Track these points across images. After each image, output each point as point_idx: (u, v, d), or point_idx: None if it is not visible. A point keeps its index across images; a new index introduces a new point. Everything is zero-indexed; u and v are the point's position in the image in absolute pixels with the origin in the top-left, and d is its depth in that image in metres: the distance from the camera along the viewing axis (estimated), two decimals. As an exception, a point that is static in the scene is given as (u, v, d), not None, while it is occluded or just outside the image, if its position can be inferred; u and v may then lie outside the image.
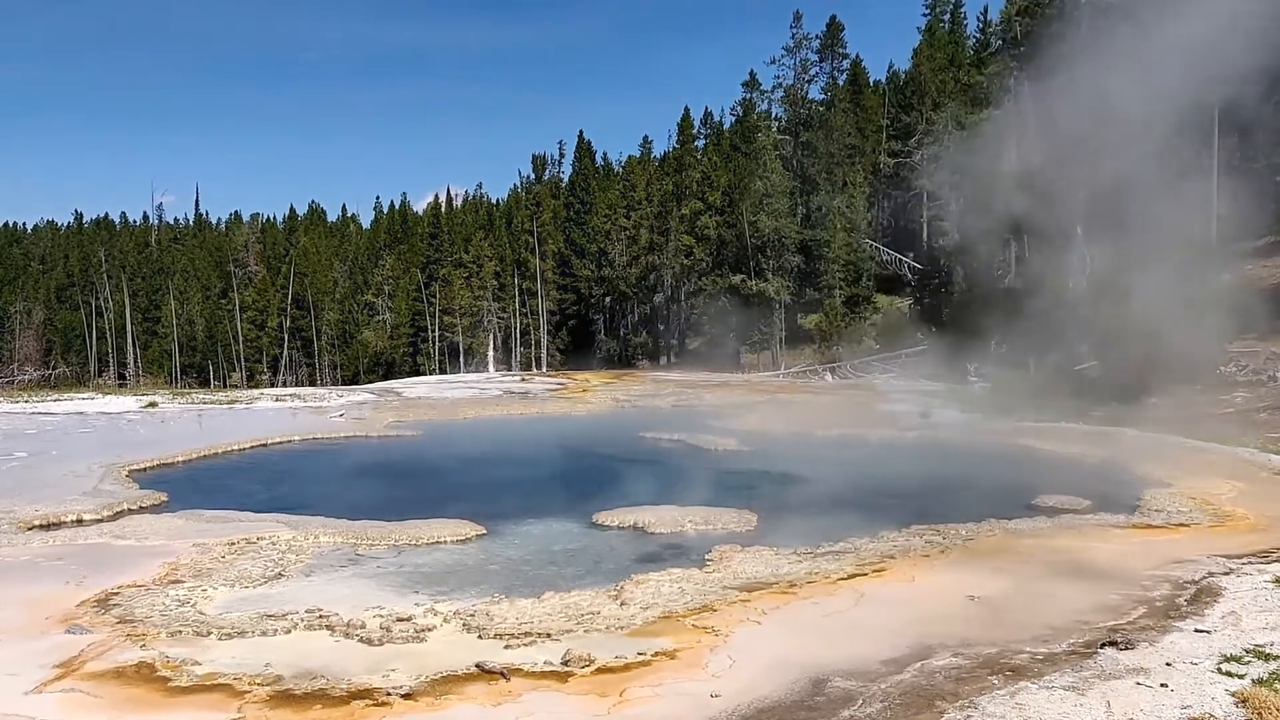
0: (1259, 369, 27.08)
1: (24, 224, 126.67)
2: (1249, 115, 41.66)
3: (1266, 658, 7.85)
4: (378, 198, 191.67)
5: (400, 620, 9.43)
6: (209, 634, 9.09)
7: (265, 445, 23.90)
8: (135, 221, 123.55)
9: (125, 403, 35.05)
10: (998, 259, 48.14)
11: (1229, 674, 7.52)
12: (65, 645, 8.77)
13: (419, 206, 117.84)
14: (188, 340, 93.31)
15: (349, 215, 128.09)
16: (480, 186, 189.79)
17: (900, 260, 61.05)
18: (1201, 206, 39.05)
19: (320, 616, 9.53)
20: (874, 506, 15.86)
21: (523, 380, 47.60)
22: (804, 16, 68.79)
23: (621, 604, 9.99)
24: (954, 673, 7.77)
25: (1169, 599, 9.80)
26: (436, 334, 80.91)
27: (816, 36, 67.41)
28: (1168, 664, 7.77)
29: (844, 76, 68.87)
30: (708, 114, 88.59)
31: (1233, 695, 7.05)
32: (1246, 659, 7.84)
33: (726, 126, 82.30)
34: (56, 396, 38.55)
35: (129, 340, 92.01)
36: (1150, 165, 27.58)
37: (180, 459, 21.28)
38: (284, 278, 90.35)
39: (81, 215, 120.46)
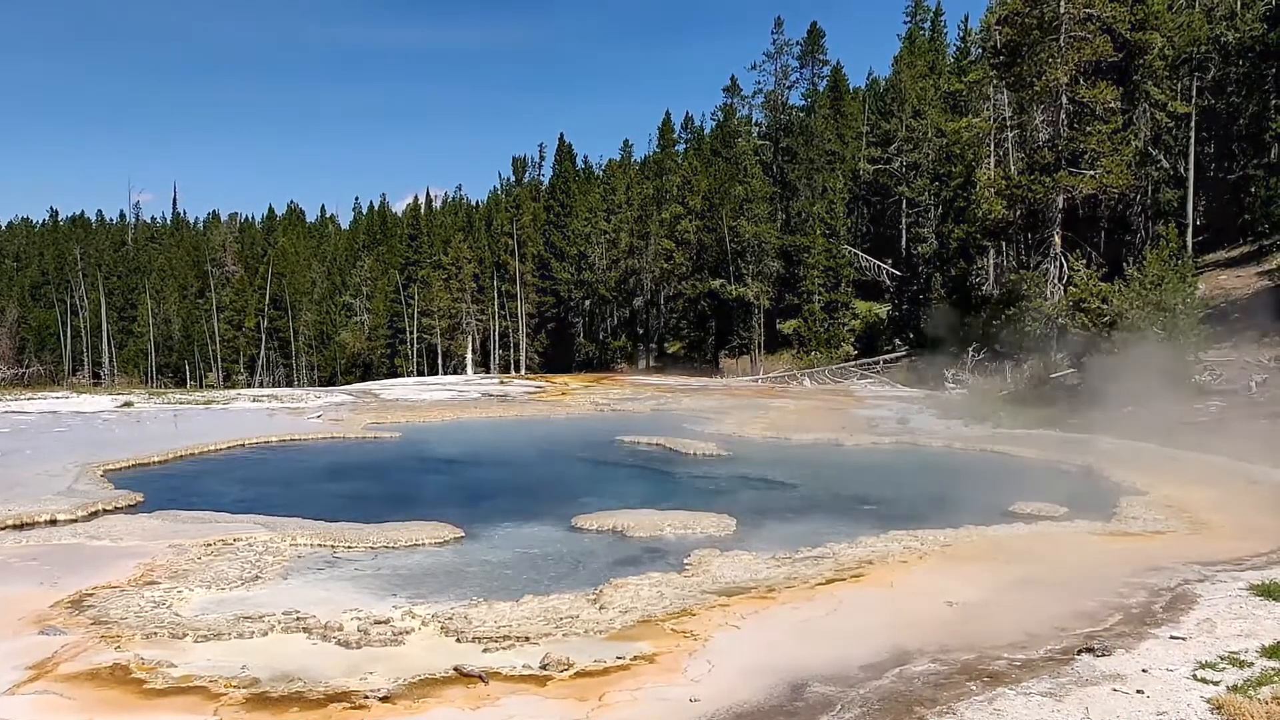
0: (1233, 378, 27.27)
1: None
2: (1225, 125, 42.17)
3: (1241, 664, 7.91)
4: (356, 198, 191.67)
5: (378, 623, 9.39)
6: (185, 636, 9.03)
7: (243, 446, 23.77)
8: (112, 220, 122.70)
9: (100, 402, 34.78)
10: (975, 266, 48.42)
11: (1204, 680, 7.58)
12: (39, 646, 8.68)
13: (398, 208, 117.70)
14: (164, 340, 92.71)
15: (328, 216, 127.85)
16: (460, 188, 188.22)
17: (879, 267, 61.27)
18: (1177, 216, 39.47)
19: (297, 619, 9.48)
20: (852, 512, 15.92)
21: (501, 383, 47.52)
22: (785, 23, 69.13)
23: (600, 608, 9.98)
24: (932, 678, 7.80)
25: (1145, 606, 9.86)
26: (415, 335, 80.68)
27: (797, 43, 67.65)
28: (1144, 671, 7.82)
29: (824, 83, 69.05)
30: (688, 118, 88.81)
31: (1208, 702, 7.10)
32: (1221, 666, 7.90)
33: (707, 131, 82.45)
34: (30, 395, 38.17)
35: (104, 339, 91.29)
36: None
37: (156, 459, 21.13)
38: (261, 278, 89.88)
39: (57, 212, 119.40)
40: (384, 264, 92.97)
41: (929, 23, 72.49)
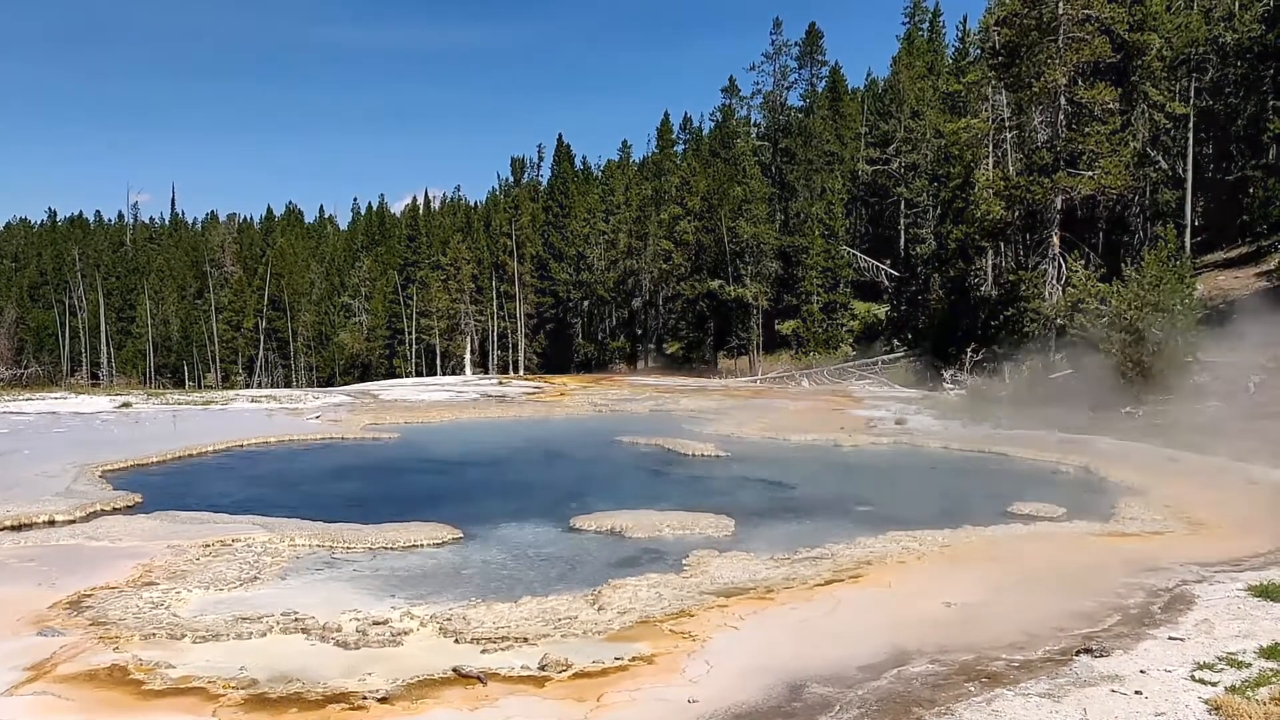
0: (1232, 379, 27.27)
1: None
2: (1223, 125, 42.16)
3: (1239, 665, 7.92)
4: (355, 199, 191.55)
5: (376, 624, 9.38)
6: (183, 637, 9.02)
7: (241, 446, 23.75)
8: (110, 220, 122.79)
9: (99, 403, 34.75)
10: (974, 267, 48.41)
11: (1202, 681, 7.58)
12: (37, 647, 8.68)
13: (397, 208, 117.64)
14: (163, 340, 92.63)
15: (326, 216, 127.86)
16: (459, 189, 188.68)
17: (878, 267, 61.30)
18: (1175, 217, 39.48)
19: (296, 620, 9.48)
20: (850, 512, 15.92)
21: (500, 383, 47.50)
22: (784, 24, 69.06)
23: (599, 609, 9.98)
24: (931, 679, 7.80)
25: (1143, 606, 9.87)
26: (413, 336, 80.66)
27: (796, 43, 67.72)
28: (1142, 671, 7.82)
29: (823, 84, 69.08)
30: (687, 119, 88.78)
31: (1206, 702, 7.10)
32: (1219, 666, 7.91)
33: (706, 132, 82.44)
34: (28, 396, 38.16)
35: (103, 340, 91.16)
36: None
37: (155, 460, 21.11)
38: (260, 278, 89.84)
39: (55, 213, 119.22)
40: (382, 265, 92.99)
41: (927, 23, 72.52)
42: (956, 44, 66.82)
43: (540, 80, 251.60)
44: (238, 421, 29.23)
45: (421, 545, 13.31)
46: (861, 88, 78.42)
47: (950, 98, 56.87)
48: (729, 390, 44.73)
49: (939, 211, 53.92)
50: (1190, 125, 40.45)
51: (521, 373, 70.75)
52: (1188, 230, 39.82)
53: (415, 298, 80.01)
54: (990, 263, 47.57)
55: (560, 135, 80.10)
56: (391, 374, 76.22)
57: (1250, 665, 7.93)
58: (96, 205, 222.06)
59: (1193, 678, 7.67)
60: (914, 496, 17.74)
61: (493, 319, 78.09)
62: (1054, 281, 35.53)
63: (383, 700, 7.51)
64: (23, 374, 68.64)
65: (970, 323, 43.69)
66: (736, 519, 14.73)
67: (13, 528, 13.95)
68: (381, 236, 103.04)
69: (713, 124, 76.21)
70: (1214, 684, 7.51)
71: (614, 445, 25.43)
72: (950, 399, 35.91)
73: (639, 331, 71.69)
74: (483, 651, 8.69)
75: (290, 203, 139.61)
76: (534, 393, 41.87)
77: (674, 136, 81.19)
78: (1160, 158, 41.06)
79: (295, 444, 25.03)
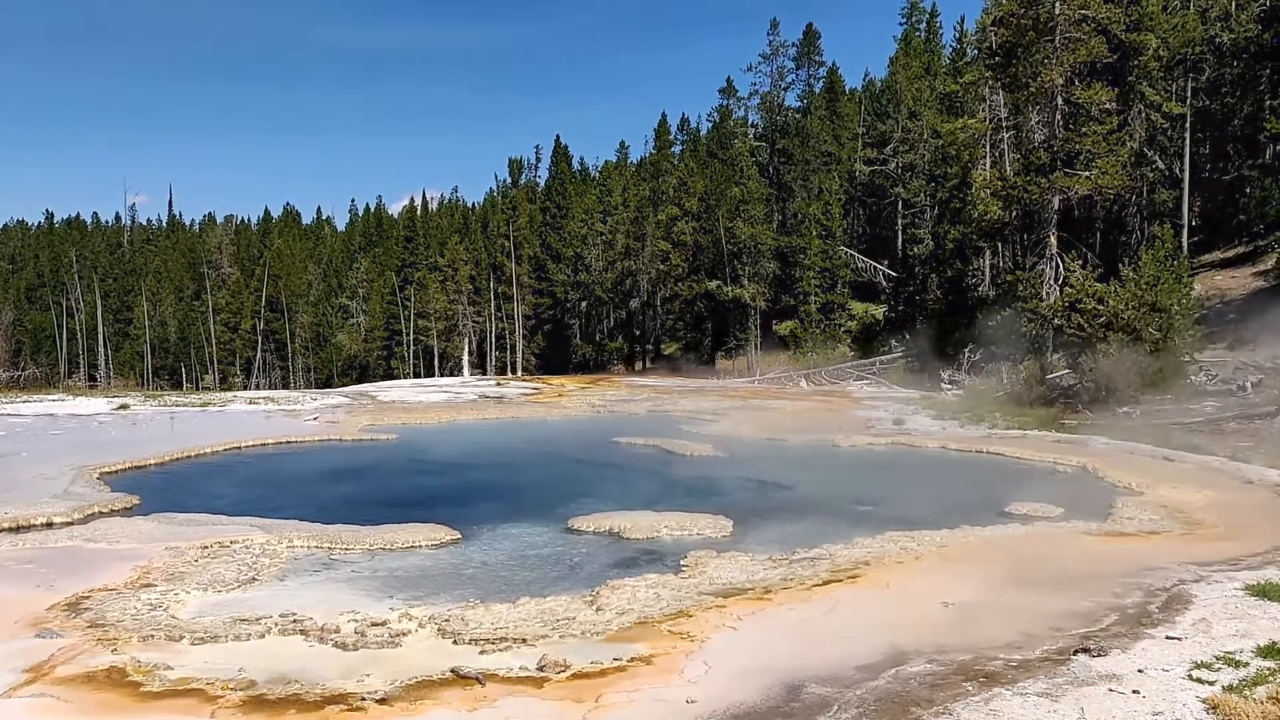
0: (1228, 379, 27.33)
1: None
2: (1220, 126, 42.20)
3: (1236, 664, 7.93)
4: (353, 200, 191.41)
5: (375, 625, 9.38)
6: (181, 638, 9.01)
7: (239, 448, 23.73)
8: (107, 222, 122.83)
9: (96, 405, 34.73)
10: (972, 267, 48.46)
11: (1200, 680, 7.58)
12: (35, 649, 8.66)
13: (394, 209, 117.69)
14: (160, 342, 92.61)
15: (324, 218, 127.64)
16: (456, 190, 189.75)
17: (875, 268, 61.34)
18: (1172, 217, 39.53)
19: (294, 621, 9.47)
20: (848, 513, 15.92)
21: (498, 385, 47.49)
22: (781, 24, 69.09)
23: (597, 609, 9.98)
24: (929, 679, 7.80)
25: (1141, 606, 9.87)
26: (411, 337, 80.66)
27: (793, 44, 67.92)
28: (1140, 671, 7.83)
29: (820, 84, 69.19)
30: (684, 120, 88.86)
31: (1203, 702, 7.11)
32: (1217, 666, 7.91)
33: (703, 133, 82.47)
34: (26, 398, 38.13)
35: (100, 342, 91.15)
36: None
37: (152, 462, 21.09)
38: (258, 280, 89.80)
39: (53, 215, 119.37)
40: (380, 266, 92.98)
41: (924, 24, 72.50)
42: (954, 44, 66.88)
43: (539, 80, 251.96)
44: (235, 423, 29.21)
45: (420, 546, 13.31)
46: (859, 88, 78.41)
47: (947, 98, 56.90)
48: (727, 391, 44.74)
49: (936, 212, 53.98)
50: (1187, 125, 40.53)
51: (519, 374, 70.75)
52: (1185, 230, 39.89)
53: (413, 299, 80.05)
54: (988, 263, 47.64)
55: (558, 136, 79.93)
56: (389, 375, 76.23)
57: (1248, 664, 7.93)
58: (94, 207, 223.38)
59: (1190, 677, 7.68)
60: (912, 497, 17.71)
61: (490, 320, 78.08)
62: (1051, 281, 35.57)
63: (381, 701, 7.51)
64: (20, 376, 68.67)
65: (968, 323, 43.74)
66: (734, 520, 14.72)
67: (10, 530, 13.93)
68: (379, 237, 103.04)
69: (710, 125, 76.39)
70: (1211, 683, 7.52)
71: (612, 446, 25.41)
72: (948, 399, 35.94)
73: (637, 332, 71.71)
74: (481, 652, 8.68)
75: (288, 204, 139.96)
76: (532, 394, 41.86)
77: (671, 137, 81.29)
78: (1157, 158, 41.14)
79: (293, 445, 25.02)
